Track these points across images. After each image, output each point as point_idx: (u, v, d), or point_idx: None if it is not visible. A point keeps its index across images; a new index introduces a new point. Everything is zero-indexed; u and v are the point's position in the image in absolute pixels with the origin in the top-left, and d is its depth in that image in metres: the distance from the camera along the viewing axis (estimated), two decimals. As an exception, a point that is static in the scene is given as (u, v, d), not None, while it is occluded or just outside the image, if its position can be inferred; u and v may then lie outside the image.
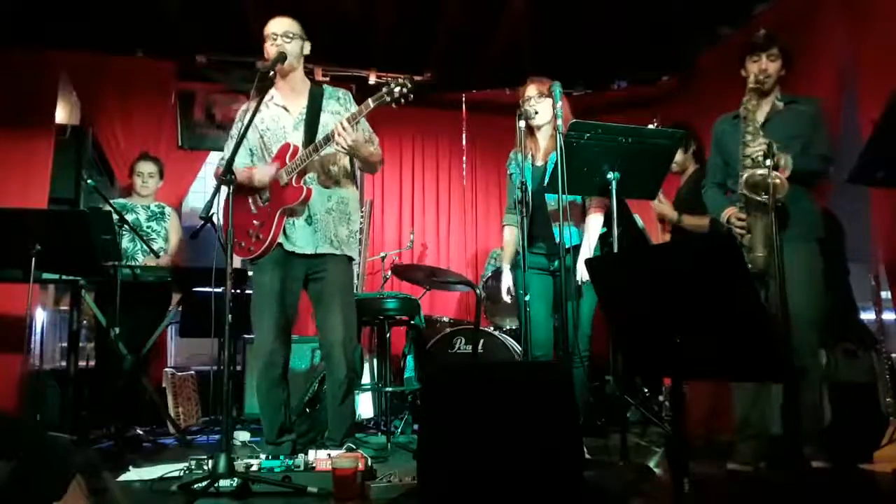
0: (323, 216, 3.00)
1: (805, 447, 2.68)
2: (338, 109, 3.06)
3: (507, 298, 3.36)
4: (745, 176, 2.73)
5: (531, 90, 3.22)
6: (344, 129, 2.75)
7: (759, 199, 2.66)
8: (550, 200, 3.15)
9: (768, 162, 2.60)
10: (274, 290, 2.97)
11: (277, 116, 3.04)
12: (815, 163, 2.83)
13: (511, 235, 3.40)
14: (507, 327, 4.39)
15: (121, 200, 4.17)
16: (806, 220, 2.82)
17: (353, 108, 3.07)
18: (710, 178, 3.11)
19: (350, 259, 3.09)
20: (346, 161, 3.08)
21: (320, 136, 2.94)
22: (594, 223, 3.15)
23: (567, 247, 3.05)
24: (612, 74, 5.56)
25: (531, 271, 3.05)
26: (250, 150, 3.07)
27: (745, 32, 4.34)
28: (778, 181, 2.61)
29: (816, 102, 2.96)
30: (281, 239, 2.96)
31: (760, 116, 2.86)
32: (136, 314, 3.70)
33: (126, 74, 4.92)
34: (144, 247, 3.96)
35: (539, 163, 3.22)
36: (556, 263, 3.15)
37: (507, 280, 3.36)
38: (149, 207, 4.20)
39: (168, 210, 4.28)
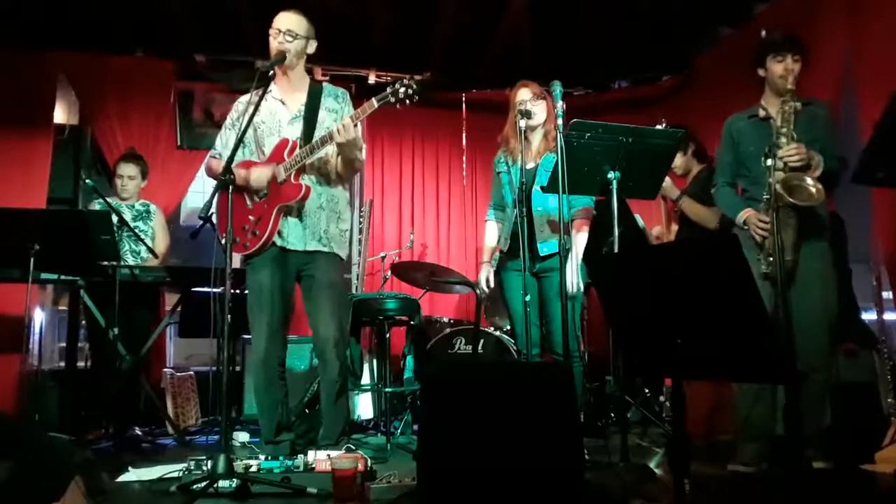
0: (315, 213, 2.99)
1: (806, 448, 2.68)
2: (335, 107, 3.06)
3: (485, 290, 3.39)
4: (784, 178, 2.68)
5: (525, 93, 3.23)
6: (345, 126, 2.77)
7: (798, 203, 2.64)
8: (537, 206, 3.16)
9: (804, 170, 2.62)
10: (268, 288, 2.95)
11: (274, 110, 3.03)
12: (835, 164, 2.82)
13: (492, 232, 3.45)
14: (507, 327, 4.38)
15: (107, 200, 3.99)
16: (817, 221, 2.80)
17: (350, 108, 3.08)
18: (721, 177, 3.07)
19: (340, 258, 3.07)
20: (337, 160, 3.07)
21: (318, 133, 2.94)
22: (581, 238, 3.18)
23: (548, 253, 3.12)
24: (613, 74, 5.55)
25: (516, 273, 3.04)
26: (243, 141, 3.05)
27: (745, 32, 4.34)
28: (815, 189, 2.62)
29: (826, 106, 2.95)
30: (274, 237, 2.96)
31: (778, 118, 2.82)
32: (125, 314, 3.66)
33: (125, 74, 4.90)
34: (132, 247, 3.95)
35: (530, 164, 3.22)
36: (537, 266, 3.18)
37: (485, 273, 3.39)
38: (133, 207, 4.12)
39: (153, 208, 4.20)
